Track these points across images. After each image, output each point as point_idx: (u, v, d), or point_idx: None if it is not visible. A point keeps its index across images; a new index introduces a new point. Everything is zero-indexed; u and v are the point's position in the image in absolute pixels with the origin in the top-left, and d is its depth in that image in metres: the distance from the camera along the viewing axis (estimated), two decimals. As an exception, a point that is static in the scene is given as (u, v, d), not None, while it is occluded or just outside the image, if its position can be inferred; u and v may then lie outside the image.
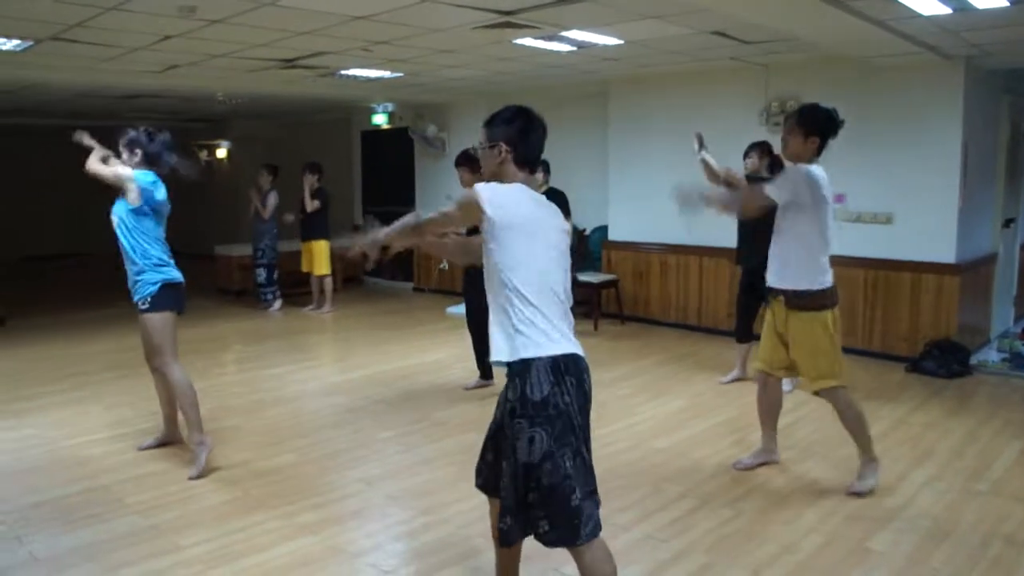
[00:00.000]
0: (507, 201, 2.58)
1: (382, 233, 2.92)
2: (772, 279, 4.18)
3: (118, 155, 4.51)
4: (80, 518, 3.86)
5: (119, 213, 4.39)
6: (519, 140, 2.71)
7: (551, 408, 2.49)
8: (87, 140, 4.56)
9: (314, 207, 9.42)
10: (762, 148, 6.08)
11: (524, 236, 2.56)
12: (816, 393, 4.17)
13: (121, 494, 4.15)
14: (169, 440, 4.88)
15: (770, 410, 4.51)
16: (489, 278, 2.60)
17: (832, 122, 4.08)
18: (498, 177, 2.71)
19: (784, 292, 4.11)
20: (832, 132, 4.08)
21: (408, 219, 2.86)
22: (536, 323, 2.51)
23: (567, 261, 2.69)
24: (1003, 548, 3.55)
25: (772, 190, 4.02)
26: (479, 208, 2.55)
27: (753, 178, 5.84)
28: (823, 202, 3.99)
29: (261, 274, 9.90)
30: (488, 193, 2.57)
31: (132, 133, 4.48)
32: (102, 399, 5.91)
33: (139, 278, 4.41)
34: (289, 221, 9.76)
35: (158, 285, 4.41)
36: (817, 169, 4.04)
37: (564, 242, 2.69)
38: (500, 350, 2.55)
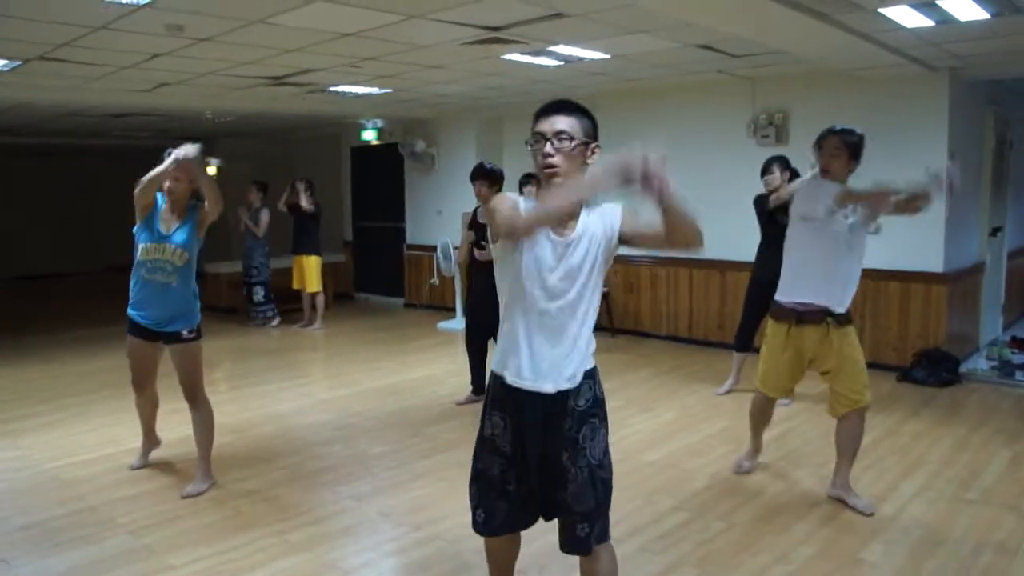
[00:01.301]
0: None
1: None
2: (832, 303, 4.03)
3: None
4: (70, 539, 3.83)
5: (188, 242, 4.29)
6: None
7: (606, 405, 2.58)
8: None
9: (310, 204, 9.40)
10: (783, 162, 5.93)
11: None
12: (844, 416, 4.13)
13: (112, 514, 4.12)
14: (151, 448, 4.88)
15: (765, 424, 4.57)
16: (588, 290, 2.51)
17: (863, 144, 4.21)
18: (570, 178, 2.38)
19: (839, 315, 4.04)
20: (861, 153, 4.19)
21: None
22: (592, 344, 2.59)
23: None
24: (994, 556, 3.56)
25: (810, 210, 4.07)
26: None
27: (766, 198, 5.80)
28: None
29: (259, 292, 9.86)
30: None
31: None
32: (91, 419, 5.88)
33: (189, 307, 4.37)
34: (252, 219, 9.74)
35: (200, 315, 4.43)
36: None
37: None
38: (588, 358, 2.56)
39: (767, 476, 4.58)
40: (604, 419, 2.56)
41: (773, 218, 5.65)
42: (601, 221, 2.46)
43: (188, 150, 4.08)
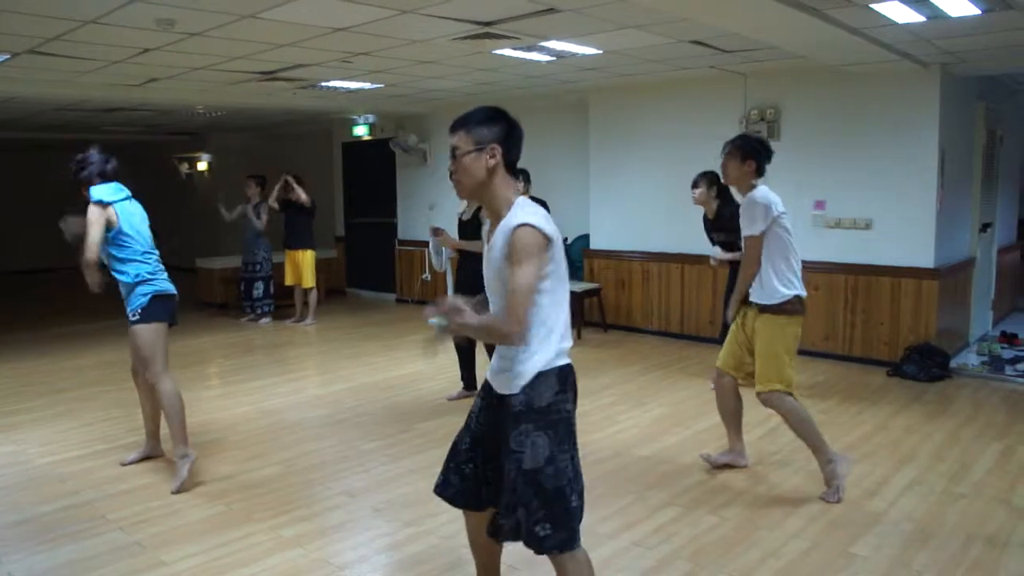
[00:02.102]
0: (557, 245, 2.50)
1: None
2: (752, 294, 4.29)
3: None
4: (61, 535, 3.82)
5: (106, 248, 4.37)
6: (507, 141, 2.50)
7: (554, 413, 2.52)
8: (74, 229, 4.38)
9: (306, 199, 9.40)
10: (709, 178, 6.13)
11: (557, 259, 2.51)
12: (760, 394, 4.26)
13: (104, 510, 4.11)
14: (152, 454, 4.85)
15: (729, 409, 4.60)
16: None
17: (765, 148, 4.30)
18: (487, 187, 2.49)
19: (758, 305, 4.25)
20: (766, 157, 4.28)
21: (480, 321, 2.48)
22: (551, 338, 2.53)
23: (567, 283, 2.63)
24: (984, 549, 3.58)
25: (749, 231, 4.18)
26: (547, 253, 2.43)
27: (713, 223, 6.22)
28: (777, 222, 4.15)
29: (260, 287, 9.82)
30: (548, 228, 2.43)
31: (93, 159, 4.48)
32: (84, 415, 5.86)
33: (132, 291, 4.41)
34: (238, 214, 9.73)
35: (148, 297, 4.41)
36: (762, 191, 4.20)
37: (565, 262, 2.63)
38: (533, 363, 2.51)
39: (759, 471, 4.60)
40: (544, 426, 2.51)
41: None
42: (503, 235, 2.45)
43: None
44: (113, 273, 4.44)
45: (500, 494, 2.58)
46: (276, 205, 9.57)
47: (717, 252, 6.13)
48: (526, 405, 2.51)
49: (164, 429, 4.74)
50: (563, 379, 2.56)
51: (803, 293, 4.20)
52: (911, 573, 3.38)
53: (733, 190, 4.67)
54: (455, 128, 2.53)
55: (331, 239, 12.49)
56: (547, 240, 2.42)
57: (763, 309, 4.19)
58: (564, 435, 2.54)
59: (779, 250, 4.16)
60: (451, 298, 2.45)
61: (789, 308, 4.15)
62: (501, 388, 2.58)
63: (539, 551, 2.52)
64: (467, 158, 2.48)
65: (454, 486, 2.72)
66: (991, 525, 3.84)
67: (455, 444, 2.77)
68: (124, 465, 4.76)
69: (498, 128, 2.50)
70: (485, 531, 2.74)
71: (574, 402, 2.63)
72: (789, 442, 5.05)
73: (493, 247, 2.50)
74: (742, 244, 4.28)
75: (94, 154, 4.49)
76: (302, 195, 9.35)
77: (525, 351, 2.51)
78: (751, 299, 4.27)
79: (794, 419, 4.20)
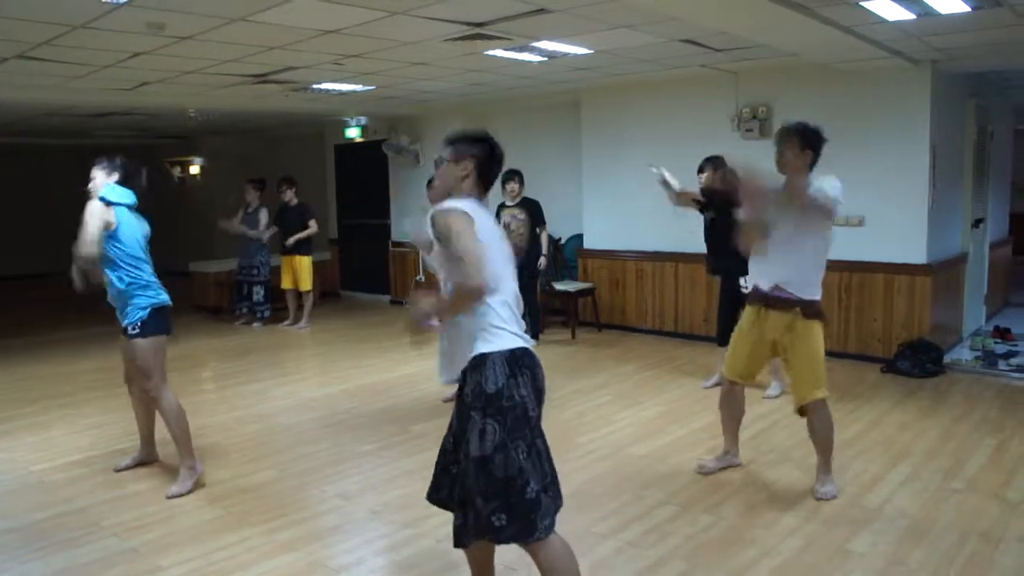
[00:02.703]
0: (483, 223, 2.67)
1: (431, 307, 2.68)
2: (792, 289, 4.08)
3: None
4: (55, 543, 3.81)
5: (104, 245, 4.28)
6: (485, 161, 2.79)
7: (504, 400, 2.55)
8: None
9: (314, 229, 9.46)
10: (715, 163, 6.03)
11: (491, 250, 2.65)
12: (801, 408, 4.17)
13: (98, 517, 4.10)
14: (146, 460, 4.84)
15: (735, 416, 4.56)
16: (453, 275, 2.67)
17: (821, 138, 4.11)
18: (452, 192, 2.77)
19: (801, 302, 4.07)
20: (821, 147, 4.11)
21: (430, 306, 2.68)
22: (493, 323, 2.61)
23: (513, 265, 2.80)
24: (979, 544, 3.59)
25: (829, 198, 3.92)
26: (476, 238, 2.60)
27: (712, 192, 5.94)
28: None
29: (259, 291, 9.78)
30: (470, 211, 2.65)
31: (118, 161, 4.44)
32: (77, 421, 5.84)
33: (129, 302, 4.33)
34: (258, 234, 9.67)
35: (148, 311, 4.34)
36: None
37: (509, 247, 2.82)
38: (476, 344, 2.62)
39: (754, 469, 4.60)
40: (493, 413, 2.56)
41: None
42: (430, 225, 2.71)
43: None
44: (107, 275, 4.33)
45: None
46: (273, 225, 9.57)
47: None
48: (474, 392, 2.57)
49: (159, 435, 4.74)
50: (513, 362, 2.59)
51: None
52: (906, 569, 3.39)
53: None
54: (446, 143, 2.85)
55: (324, 242, 12.47)
56: (467, 215, 2.62)
57: (810, 315, 4.06)
58: (518, 423, 2.56)
59: (826, 250, 4.12)
60: (416, 301, 2.69)
61: (823, 311, 4.13)
62: (448, 377, 2.72)
63: (496, 542, 2.58)
64: (445, 166, 2.82)
65: (444, 487, 2.77)
66: (986, 520, 3.85)
67: (441, 447, 2.83)
68: (117, 471, 4.74)
69: (479, 148, 2.79)
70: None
71: (533, 388, 2.63)
72: (784, 440, 5.07)
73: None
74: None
75: (130, 168, 4.45)
76: (311, 229, 9.47)
77: (465, 336, 2.63)
78: (777, 293, 4.07)
79: (828, 425, 4.17)
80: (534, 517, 2.52)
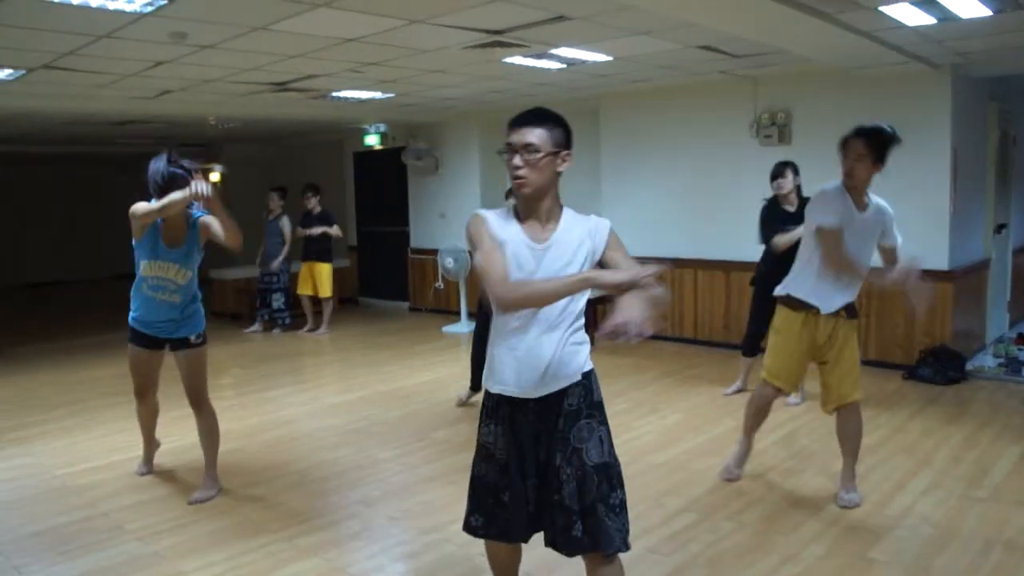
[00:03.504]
0: None
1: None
2: (843, 297, 4.07)
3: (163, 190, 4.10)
4: (80, 546, 3.85)
5: (190, 260, 4.23)
6: (571, 149, 2.49)
7: (604, 409, 2.61)
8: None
9: (320, 231, 9.51)
10: (794, 167, 5.90)
11: None
12: (838, 408, 4.16)
13: (121, 521, 4.14)
14: (153, 452, 4.90)
15: (760, 422, 4.53)
16: (577, 298, 2.53)
17: (895, 141, 3.98)
18: (544, 191, 2.45)
19: (847, 306, 4.10)
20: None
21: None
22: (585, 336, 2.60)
23: None
24: (1004, 554, 3.56)
25: (828, 220, 3.93)
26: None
27: (793, 216, 5.73)
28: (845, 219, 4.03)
29: (280, 298, 9.85)
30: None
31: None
32: (99, 426, 5.90)
33: (195, 312, 4.35)
34: (302, 234, 9.72)
35: (204, 320, 4.41)
36: (828, 186, 4.05)
37: None
38: (582, 362, 2.56)
39: (775, 476, 4.58)
40: (603, 420, 2.59)
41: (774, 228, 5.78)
42: (588, 235, 2.51)
43: (205, 188, 3.83)
44: (181, 286, 4.24)
45: (553, 507, 2.49)
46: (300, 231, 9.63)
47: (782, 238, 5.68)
48: (585, 400, 2.53)
49: (178, 442, 4.77)
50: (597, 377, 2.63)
51: None
52: (930, 578, 3.36)
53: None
54: (530, 123, 2.41)
55: (344, 248, 12.52)
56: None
57: (852, 314, 4.10)
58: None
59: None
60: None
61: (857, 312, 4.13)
62: (548, 388, 2.50)
63: (610, 550, 2.46)
64: (546, 159, 2.41)
65: (501, 518, 2.59)
66: (1010, 529, 3.81)
67: (483, 480, 2.63)
68: (140, 476, 4.81)
69: (566, 134, 2.49)
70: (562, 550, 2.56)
71: None
72: (806, 446, 5.04)
73: (560, 239, 2.47)
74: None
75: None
76: (332, 231, 9.53)
77: (573, 345, 2.52)
78: (844, 303, 4.07)
79: (861, 428, 4.17)
80: (627, 519, 2.56)
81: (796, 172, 5.90)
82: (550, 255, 2.45)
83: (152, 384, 4.60)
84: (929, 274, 6.64)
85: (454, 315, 10.37)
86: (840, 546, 3.67)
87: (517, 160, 2.39)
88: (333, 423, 5.90)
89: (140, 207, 4.02)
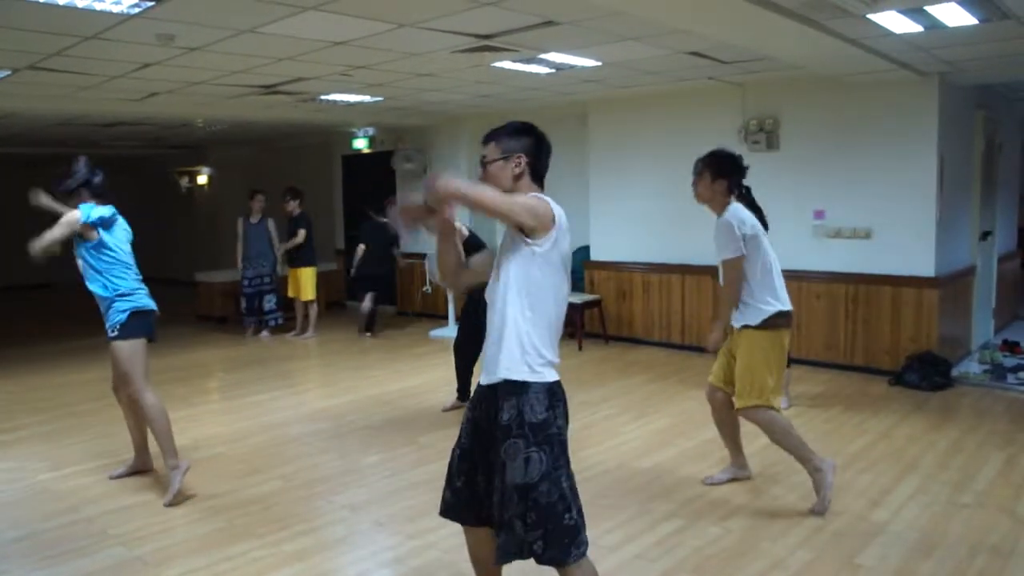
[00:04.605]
0: (564, 226, 2.59)
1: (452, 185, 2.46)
2: (733, 319, 4.23)
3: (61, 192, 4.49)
4: (63, 552, 3.81)
5: (81, 255, 4.41)
6: (536, 152, 2.64)
7: (550, 429, 2.55)
8: (45, 201, 4.48)
9: (303, 237, 9.48)
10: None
11: (561, 262, 2.60)
12: (738, 410, 4.24)
13: (104, 526, 4.10)
14: (142, 468, 4.87)
15: (724, 424, 4.54)
16: (520, 294, 2.55)
17: (736, 164, 4.27)
18: (513, 191, 2.58)
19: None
20: (738, 173, 4.26)
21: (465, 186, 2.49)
22: (544, 349, 2.59)
23: (567, 287, 2.69)
24: (989, 559, 3.57)
25: (727, 255, 4.12)
26: (550, 223, 2.52)
27: None
28: (753, 239, 4.11)
29: (271, 300, 9.83)
30: (558, 212, 2.55)
31: (79, 170, 4.48)
32: (83, 430, 5.85)
33: (111, 307, 4.42)
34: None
35: (127, 313, 4.41)
36: (733, 210, 4.15)
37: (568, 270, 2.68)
38: (510, 368, 2.56)
39: (762, 482, 4.58)
40: (540, 442, 2.52)
41: None
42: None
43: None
44: (89, 284, 4.44)
45: (493, 510, 2.59)
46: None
47: None
48: (517, 420, 2.53)
49: (155, 445, 4.73)
50: (552, 394, 2.59)
51: (786, 308, 4.15)
52: (916, 584, 3.37)
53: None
54: (486, 140, 2.65)
55: (331, 252, 12.48)
56: (550, 206, 2.54)
57: (744, 326, 4.17)
58: (560, 451, 2.56)
59: (753, 271, 4.12)
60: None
61: (770, 323, 4.11)
62: (488, 376, 2.62)
63: (537, 562, 2.55)
64: (494, 166, 2.61)
65: (447, 501, 2.77)
66: (995, 535, 3.82)
67: (450, 459, 2.79)
68: (113, 479, 4.78)
69: (526, 140, 2.63)
70: (492, 556, 2.67)
71: (565, 419, 2.64)
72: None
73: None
74: (719, 268, 4.22)
75: (81, 167, 4.50)
76: (297, 238, 9.50)
77: (508, 352, 2.56)
78: (732, 323, 4.21)
79: (778, 432, 4.15)
80: (569, 543, 2.52)
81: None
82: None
83: (116, 379, 4.66)
84: (915, 280, 6.75)
85: (441, 319, 10.35)
86: (826, 552, 3.68)
87: (480, 175, 2.66)
88: (319, 427, 5.87)
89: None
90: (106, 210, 4.40)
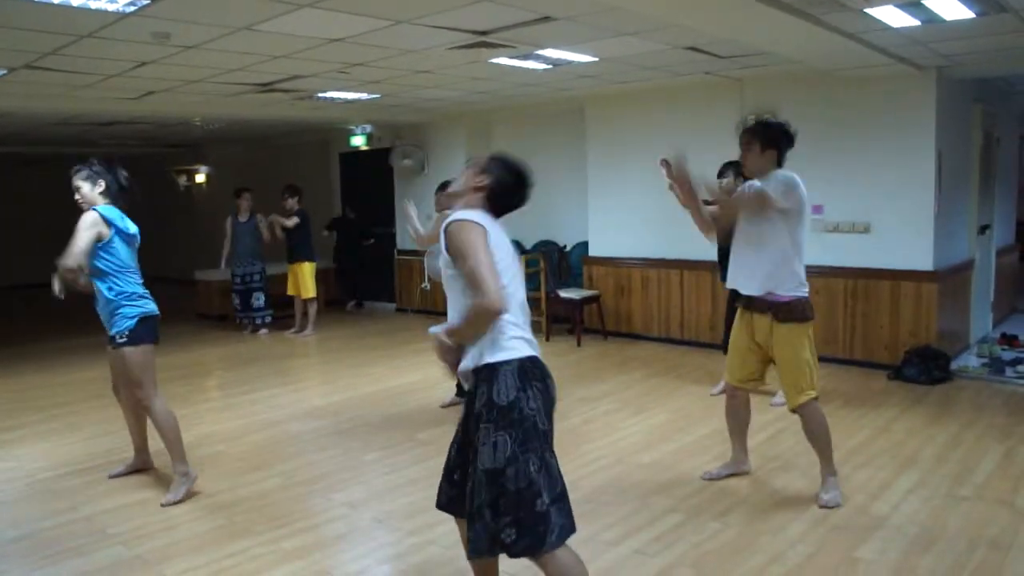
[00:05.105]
0: (494, 231, 2.62)
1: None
2: (752, 288, 4.12)
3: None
4: (62, 551, 3.81)
5: (91, 260, 4.28)
6: (506, 188, 2.73)
7: (516, 412, 2.53)
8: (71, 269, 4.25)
9: (293, 223, 9.41)
10: (738, 167, 5.94)
11: (507, 255, 2.65)
12: (794, 410, 4.16)
13: (104, 525, 4.10)
14: (140, 468, 4.86)
15: (740, 423, 4.53)
16: (465, 292, 2.58)
17: (787, 134, 4.15)
18: (463, 197, 2.72)
19: (770, 304, 4.07)
20: (788, 143, 4.15)
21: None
22: (503, 330, 2.58)
23: (521, 270, 2.78)
24: (988, 552, 3.57)
25: (775, 193, 3.95)
26: (488, 252, 2.56)
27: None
28: (804, 208, 4.04)
29: (260, 297, 9.86)
30: (489, 231, 2.59)
31: (95, 167, 4.39)
32: (83, 429, 5.85)
33: (117, 312, 4.35)
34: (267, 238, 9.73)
35: (135, 319, 4.35)
36: (796, 176, 4.06)
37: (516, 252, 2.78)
38: (482, 352, 2.58)
39: (761, 476, 4.59)
40: (505, 426, 2.53)
41: None
42: (441, 238, 2.64)
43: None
44: (96, 286, 4.34)
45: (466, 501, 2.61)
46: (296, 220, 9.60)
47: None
48: (484, 404, 2.55)
49: (155, 445, 4.74)
50: (523, 374, 2.57)
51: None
52: (915, 577, 3.37)
53: None
54: (484, 159, 2.78)
55: (330, 249, 12.47)
56: (480, 227, 2.56)
57: (784, 318, 4.03)
58: (529, 435, 2.54)
59: (801, 241, 4.03)
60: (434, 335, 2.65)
61: (809, 314, 4.07)
62: (466, 378, 2.66)
63: (510, 555, 2.55)
64: (466, 171, 2.77)
65: (446, 494, 2.79)
66: (994, 528, 3.83)
67: (447, 454, 2.82)
68: (112, 477, 4.77)
69: (507, 173, 2.74)
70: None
71: (544, 400, 2.62)
72: (791, 447, 5.05)
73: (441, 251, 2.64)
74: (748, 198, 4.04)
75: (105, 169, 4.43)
76: (286, 222, 9.45)
77: (474, 344, 2.60)
78: (758, 293, 4.06)
79: (821, 425, 4.14)
80: (543, 531, 2.51)
81: (738, 173, 5.91)
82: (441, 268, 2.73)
83: (120, 381, 4.63)
84: (914, 275, 6.74)
85: (441, 316, 10.31)
86: (826, 546, 3.68)
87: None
88: (318, 425, 5.87)
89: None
90: (113, 213, 4.35)
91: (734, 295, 5.86)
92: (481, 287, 2.47)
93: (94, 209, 4.28)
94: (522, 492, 2.50)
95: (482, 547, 2.55)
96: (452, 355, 2.63)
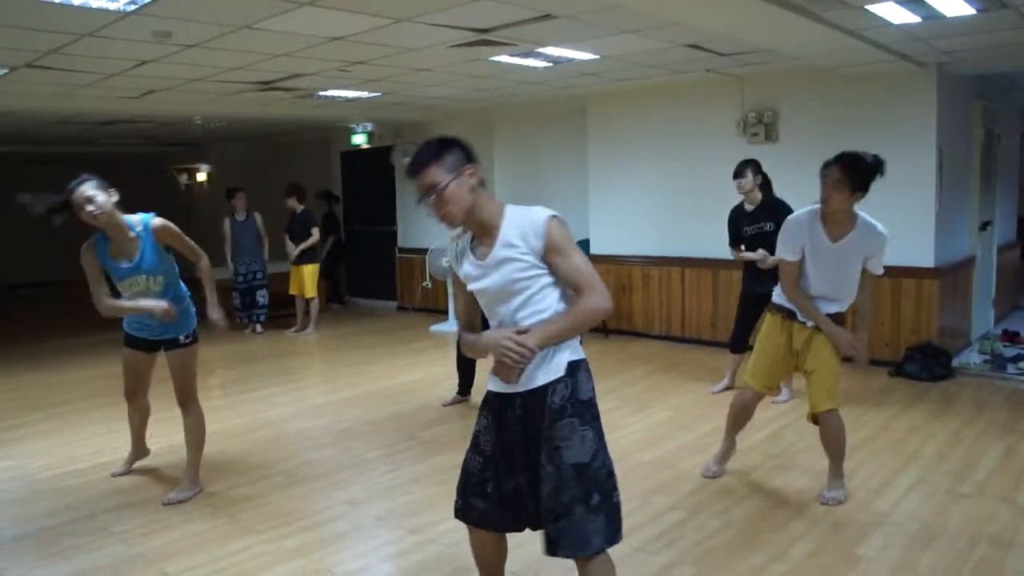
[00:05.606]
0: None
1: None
2: (833, 308, 4.12)
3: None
4: (64, 549, 3.82)
5: (149, 266, 4.20)
6: (475, 159, 2.52)
7: (595, 408, 2.58)
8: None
9: (314, 240, 9.52)
10: (755, 166, 5.90)
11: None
12: (816, 416, 4.15)
13: (106, 523, 4.11)
14: (138, 458, 4.89)
15: (743, 421, 4.53)
16: (545, 295, 2.50)
17: (881, 174, 3.89)
18: (475, 207, 2.48)
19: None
20: (874, 178, 3.88)
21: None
22: None
23: None
24: (989, 549, 3.57)
25: (785, 255, 4.10)
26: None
27: (752, 214, 5.87)
28: (809, 246, 4.02)
29: (263, 295, 9.93)
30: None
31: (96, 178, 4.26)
32: (84, 427, 5.86)
33: (185, 312, 4.38)
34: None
35: (196, 318, 4.42)
36: (798, 214, 4.14)
37: None
38: (564, 357, 2.53)
39: (762, 473, 4.59)
40: (590, 419, 2.54)
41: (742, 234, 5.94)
42: (522, 238, 2.50)
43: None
44: (160, 292, 4.27)
45: (540, 502, 2.51)
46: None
47: (748, 254, 5.84)
48: (570, 399, 2.51)
49: (159, 444, 4.74)
50: (589, 371, 2.61)
51: None
52: (916, 574, 3.37)
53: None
54: (420, 168, 2.46)
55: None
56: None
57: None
58: (602, 432, 2.59)
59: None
60: (501, 339, 2.47)
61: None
62: (531, 383, 2.51)
63: (584, 552, 2.47)
64: (451, 187, 2.43)
65: (479, 509, 2.64)
66: (996, 524, 3.83)
67: (467, 467, 2.68)
68: (114, 476, 4.79)
69: (459, 151, 2.49)
70: (503, 558, 2.77)
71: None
72: (792, 444, 5.05)
73: (497, 256, 2.50)
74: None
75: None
76: (313, 237, 9.54)
77: (565, 345, 2.53)
78: (829, 311, 4.07)
79: (840, 432, 4.14)
80: (619, 523, 2.53)
81: (758, 171, 5.91)
82: (491, 272, 2.53)
83: (143, 387, 4.61)
84: (915, 271, 6.74)
85: (442, 314, 10.35)
86: (827, 543, 3.68)
87: (430, 206, 2.47)
88: (319, 423, 5.87)
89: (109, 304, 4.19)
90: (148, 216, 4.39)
91: (750, 300, 5.87)
92: (596, 285, 2.44)
93: (156, 216, 4.33)
94: (607, 483, 2.52)
95: (564, 547, 2.48)
96: (526, 362, 2.47)
